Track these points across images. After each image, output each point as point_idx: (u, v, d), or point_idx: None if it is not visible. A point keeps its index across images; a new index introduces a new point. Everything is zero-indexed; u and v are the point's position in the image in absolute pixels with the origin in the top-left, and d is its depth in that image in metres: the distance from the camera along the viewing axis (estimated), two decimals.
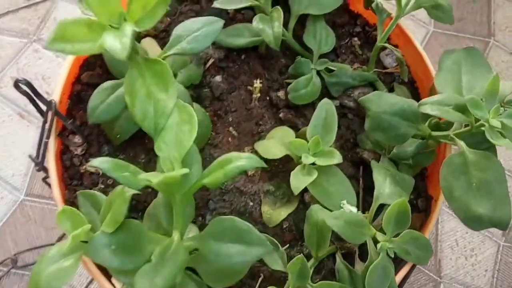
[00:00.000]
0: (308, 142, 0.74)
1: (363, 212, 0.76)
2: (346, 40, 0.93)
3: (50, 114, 0.73)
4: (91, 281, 1.17)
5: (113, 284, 0.66)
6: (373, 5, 0.83)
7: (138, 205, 0.75)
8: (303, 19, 0.86)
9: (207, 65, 0.84)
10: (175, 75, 0.71)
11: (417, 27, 1.43)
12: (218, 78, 0.84)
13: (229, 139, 0.81)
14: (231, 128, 0.82)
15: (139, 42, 0.75)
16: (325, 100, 0.78)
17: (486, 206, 0.65)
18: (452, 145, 0.78)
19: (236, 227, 0.57)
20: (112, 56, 0.61)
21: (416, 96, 0.90)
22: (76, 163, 0.77)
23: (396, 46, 0.88)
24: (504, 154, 1.43)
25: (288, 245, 0.76)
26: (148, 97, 0.61)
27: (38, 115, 1.25)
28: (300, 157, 0.74)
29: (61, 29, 0.55)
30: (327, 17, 0.88)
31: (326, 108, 0.77)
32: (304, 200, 0.78)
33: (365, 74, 0.86)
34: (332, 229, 0.67)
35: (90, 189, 0.74)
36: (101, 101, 0.70)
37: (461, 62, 0.76)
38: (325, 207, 0.72)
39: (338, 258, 0.73)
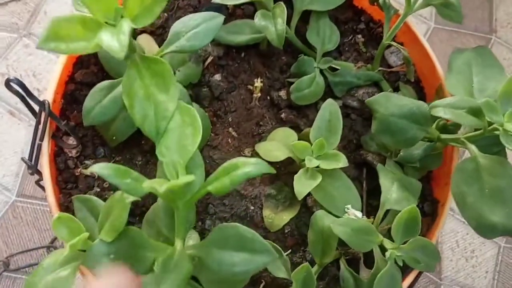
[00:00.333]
0: (311, 144, 0.72)
1: (368, 217, 0.74)
2: (350, 37, 0.90)
3: (43, 114, 0.70)
4: None
5: None
6: (380, 1, 0.81)
7: (136, 209, 0.72)
8: (305, 16, 0.84)
9: (206, 63, 0.82)
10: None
11: (418, 23, 1.41)
12: (217, 76, 0.81)
13: (229, 140, 0.79)
14: (230, 129, 0.80)
15: (135, 39, 0.72)
16: (329, 101, 0.76)
17: (500, 214, 0.63)
18: (459, 148, 0.76)
19: (240, 235, 0.55)
20: (107, 54, 0.59)
21: (422, 96, 0.87)
22: (70, 165, 0.74)
23: (401, 43, 0.86)
24: None
25: (290, 250, 0.74)
26: (147, 99, 0.58)
27: (29, 113, 1.23)
28: (303, 160, 0.72)
29: (54, 27, 0.52)
30: (330, 13, 0.86)
31: (330, 109, 0.75)
32: (306, 204, 0.76)
33: (370, 73, 0.84)
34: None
35: (86, 192, 0.72)
36: (97, 102, 0.67)
37: (471, 63, 0.74)
38: (329, 212, 0.70)
39: (343, 264, 0.71)
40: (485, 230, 0.64)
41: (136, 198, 0.53)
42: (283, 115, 0.81)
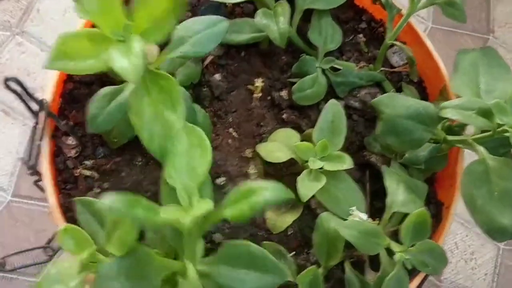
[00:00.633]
0: (314, 145, 0.71)
1: (372, 219, 0.73)
2: (351, 37, 0.89)
3: (42, 114, 0.68)
4: None
5: None
6: (383, 0, 0.80)
7: None
8: (306, 15, 0.82)
9: (205, 63, 0.81)
10: (172, 74, 0.67)
11: (415, 23, 1.40)
12: (217, 76, 0.80)
13: (229, 141, 0.78)
14: (231, 130, 0.79)
15: None
16: (332, 101, 0.75)
17: (510, 217, 0.62)
18: (465, 150, 0.75)
19: (251, 253, 0.54)
20: None
21: (425, 97, 0.86)
22: (70, 166, 0.73)
23: (403, 43, 0.85)
24: None
25: (294, 252, 0.73)
26: (155, 118, 0.57)
27: (23, 112, 1.22)
28: (306, 161, 0.71)
29: (62, 45, 0.51)
30: (331, 12, 0.84)
31: (333, 110, 0.74)
32: (309, 206, 0.75)
33: (373, 73, 0.83)
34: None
35: (86, 193, 0.71)
36: (101, 109, 0.64)
37: (478, 63, 0.73)
38: (333, 214, 0.70)
39: (347, 267, 0.70)
40: (496, 233, 0.63)
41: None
42: (284, 116, 0.80)
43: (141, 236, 0.55)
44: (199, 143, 0.55)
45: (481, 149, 0.65)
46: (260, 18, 0.76)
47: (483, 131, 0.67)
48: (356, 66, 0.84)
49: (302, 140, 0.74)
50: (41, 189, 0.77)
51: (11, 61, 1.33)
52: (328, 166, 0.70)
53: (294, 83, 0.79)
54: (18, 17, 1.40)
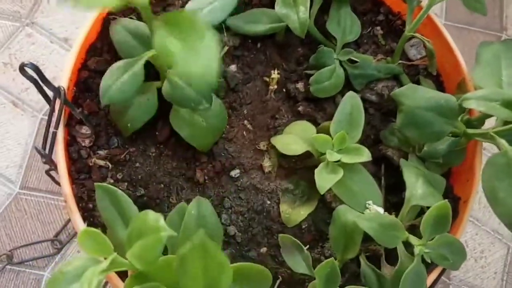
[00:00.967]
0: (332, 138, 0.70)
1: (389, 213, 0.72)
2: (368, 29, 0.88)
3: (57, 102, 0.67)
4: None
5: None
6: None
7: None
8: (323, 5, 0.81)
9: (222, 53, 0.79)
10: None
11: None
12: (233, 67, 0.80)
13: (244, 133, 0.78)
14: (246, 122, 0.79)
15: None
16: (350, 93, 0.74)
17: None
18: (483, 143, 0.74)
19: None
20: (122, 37, 0.53)
21: (442, 91, 0.85)
22: (83, 155, 0.72)
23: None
24: None
25: (308, 246, 0.71)
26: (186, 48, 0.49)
27: (32, 103, 1.21)
28: (322, 154, 0.70)
29: None
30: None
31: (352, 102, 0.73)
32: (324, 199, 0.74)
33: (391, 66, 0.82)
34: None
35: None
36: (115, 79, 0.63)
37: (500, 56, 0.72)
38: (349, 207, 0.68)
39: (363, 261, 0.69)
40: None
41: (171, 232, 0.46)
42: (300, 108, 0.79)
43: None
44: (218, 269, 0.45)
45: (502, 141, 0.64)
46: (280, 8, 0.74)
47: (505, 123, 0.66)
48: (374, 58, 0.83)
49: (318, 133, 0.72)
50: (53, 178, 0.77)
51: (21, 52, 1.32)
52: (346, 159, 0.69)
53: (310, 75, 0.78)
54: (28, 8, 1.39)
